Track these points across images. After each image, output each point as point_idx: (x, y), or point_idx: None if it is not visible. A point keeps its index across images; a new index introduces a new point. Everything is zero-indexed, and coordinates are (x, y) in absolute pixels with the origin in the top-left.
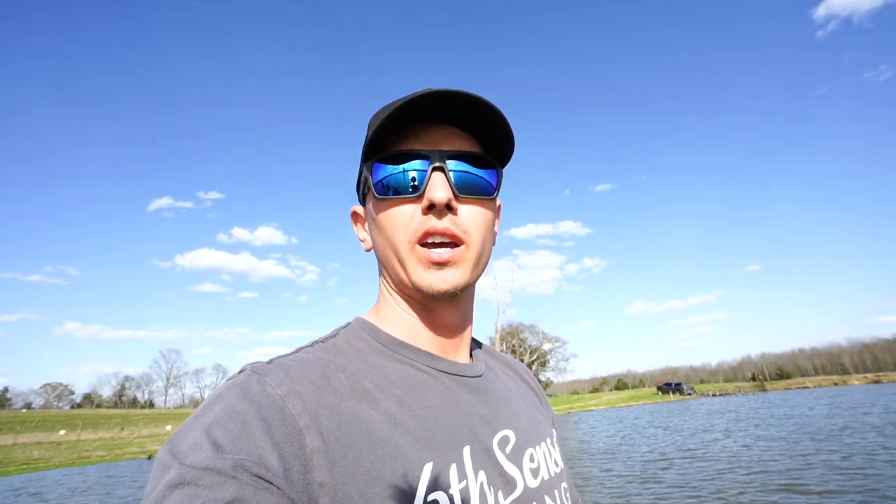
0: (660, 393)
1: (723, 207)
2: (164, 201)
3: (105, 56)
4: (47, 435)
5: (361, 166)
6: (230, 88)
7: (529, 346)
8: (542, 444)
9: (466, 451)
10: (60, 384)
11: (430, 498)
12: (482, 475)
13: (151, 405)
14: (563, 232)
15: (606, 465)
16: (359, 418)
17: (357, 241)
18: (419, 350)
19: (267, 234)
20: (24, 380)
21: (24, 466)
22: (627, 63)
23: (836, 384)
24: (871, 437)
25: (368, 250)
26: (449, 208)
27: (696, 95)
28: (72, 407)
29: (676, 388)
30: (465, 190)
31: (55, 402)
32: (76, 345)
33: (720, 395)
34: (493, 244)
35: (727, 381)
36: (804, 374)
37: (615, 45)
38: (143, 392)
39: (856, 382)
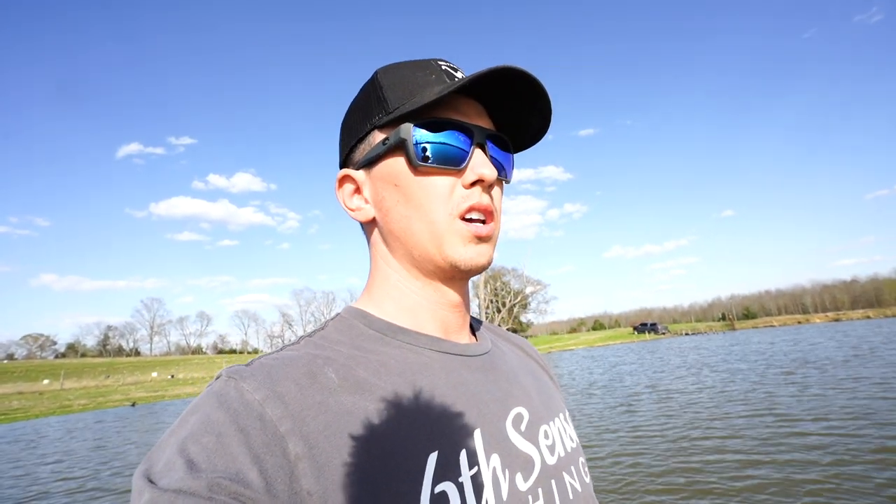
0: (636, 333)
1: (702, 154)
2: (133, 147)
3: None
4: (30, 385)
5: (370, 125)
6: (198, 26)
7: (512, 289)
8: (556, 419)
9: (477, 434)
10: (42, 335)
11: (437, 489)
12: (495, 459)
13: (137, 353)
14: (545, 177)
15: (588, 400)
16: (352, 413)
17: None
18: (419, 333)
19: (245, 180)
20: (4, 332)
21: (2, 416)
22: (612, 5)
23: (799, 322)
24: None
25: (366, 221)
26: (490, 186)
27: (682, 39)
28: (56, 357)
29: (651, 327)
30: (497, 171)
31: (38, 353)
32: (55, 296)
33: (692, 333)
34: None
35: (698, 321)
36: (768, 313)
37: None
38: (127, 341)
39: (817, 321)
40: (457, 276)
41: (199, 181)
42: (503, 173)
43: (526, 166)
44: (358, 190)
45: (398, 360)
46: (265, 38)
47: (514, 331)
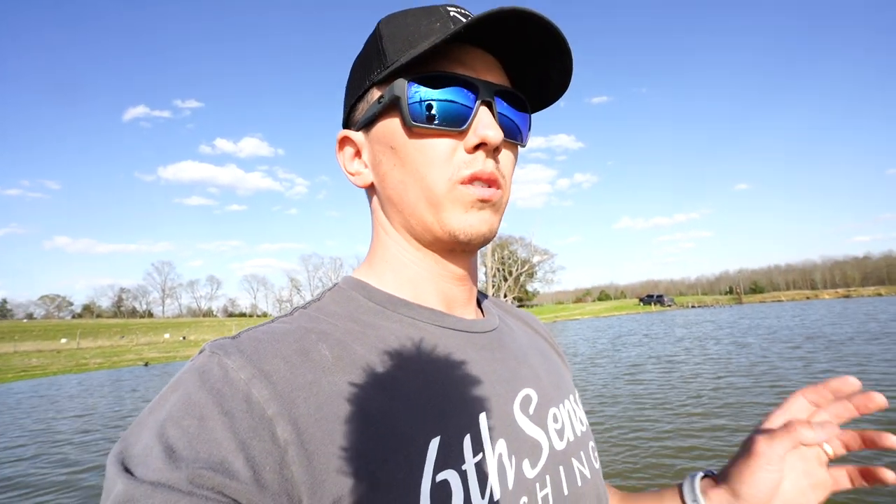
0: (641, 304)
1: (717, 126)
2: (140, 110)
3: None
4: (48, 343)
5: (369, 82)
6: None
7: (519, 258)
8: (566, 401)
9: (482, 417)
10: (59, 296)
11: (438, 478)
12: (501, 444)
13: (150, 315)
14: (556, 146)
15: (592, 370)
16: (346, 394)
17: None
18: (421, 307)
19: (252, 145)
20: (22, 292)
21: (22, 373)
22: None
23: (808, 298)
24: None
25: (365, 186)
26: (495, 150)
27: (702, 4)
28: (73, 317)
29: (658, 299)
30: (506, 132)
31: (56, 313)
32: (69, 259)
33: (699, 306)
34: None
35: (705, 294)
36: (776, 288)
37: None
38: (140, 303)
39: (826, 297)
40: (458, 248)
41: (206, 145)
42: (517, 135)
43: (537, 134)
44: (358, 153)
45: (398, 336)
46: (269, 2)
47: (520, 300)
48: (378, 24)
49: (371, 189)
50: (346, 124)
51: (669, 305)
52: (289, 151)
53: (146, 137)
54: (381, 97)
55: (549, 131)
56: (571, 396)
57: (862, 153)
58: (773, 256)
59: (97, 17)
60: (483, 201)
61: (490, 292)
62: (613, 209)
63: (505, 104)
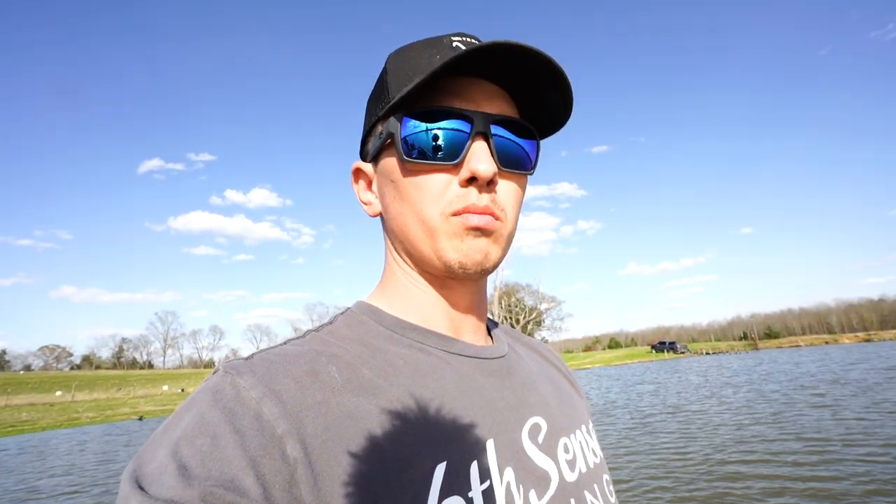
0: (653, 351)
1: (719, 170)
2: (155, 163)
3: (91, 16)
4: (43, 396)
5: (375, 117)
6: (218, 48)
7: (526, 306)
8: (578, 431)
9: (490, 444)
10: (58, 346)
11: None
12: (509, 472)
13: (150, 366)
14: (559, 194)
15: (606, 421)
16: (354, 415)
17: (357, 203)
18: (430, 332)
19: (261, 196)
20: (23, 343)
21: (10, 429)
22: (625, 23)
23: (827, 343)
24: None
25: (374, 216)
26: (489, 183)
27: (696, 55)
28: (71, 368)
29: (670, 346)
30: (507, 162)
31: (54, 364)
32: (74, 308)
33: (713, 353)
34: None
35: (718, 339)
36: (791, 333)
37: (611, 5)
38: (141, 353)
39: (846, 341)
40: (456, 277)
41: (216, 196)
42: (522, 164)
43: (540, 183)
44: (370, 183)
45: (407, 361)
46: (283, 56)
47: None
48: (388, 58)
49: (380, 219)
50: (362, 156)
51: (683, 352)
52: (297, 202)
53: (159, 189)
54: (381, 133)
55: (551, 180)
56: (584, 426)
57: (863, 196)
58: (784, 300)
59: (119, 75)
60: (476, 229)
61: None
62: (619, 255)
63: (507, 132)
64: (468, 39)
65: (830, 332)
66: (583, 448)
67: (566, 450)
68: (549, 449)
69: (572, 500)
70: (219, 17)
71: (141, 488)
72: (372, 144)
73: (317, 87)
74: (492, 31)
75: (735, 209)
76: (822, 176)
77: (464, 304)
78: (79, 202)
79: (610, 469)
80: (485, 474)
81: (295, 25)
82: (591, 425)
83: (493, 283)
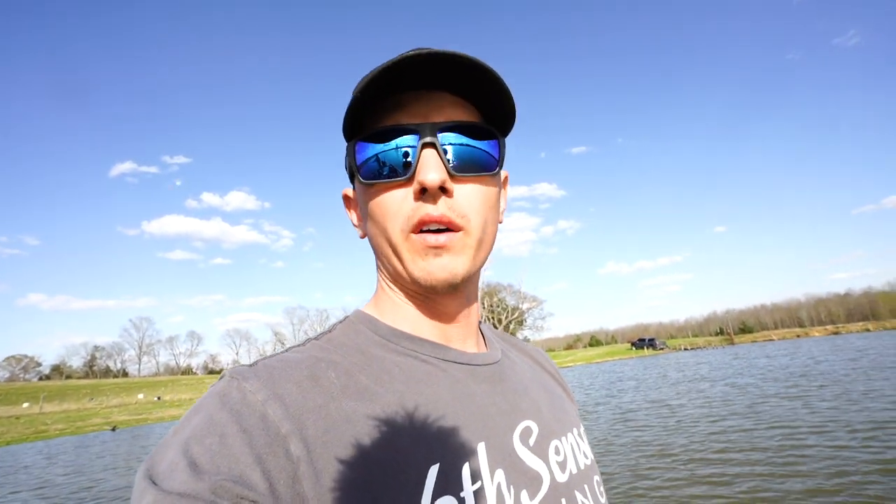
0: (634, 348)
1: (693, 171)
2: (127, 166)
3: (61, 16)
4: (8, 409)
5: (346, 142)
6: (194, 48)
7: (508, 306)
8: (569, 434)
9: (481, 447)
10: (25, 356)
11: (437, 503)
12: (500, 474)
13: (125, 374)
14: (539, 194)
15: (588, 418)
16: (352, 419)
17: (335, 209)
18: (423, 340)
19: (238, 199)
20: None
21: None
22: (602, 25)
23: (798, 336)
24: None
25: (363, 237)
26: (444, 191)
27: (671, 58)
28: (40, 379)
29: (650, 343)
30: (463, 167)
31: (21, 375)
32: (43, 316)
33: (691, 348)
34: (500, 222)
35: (695, 335)
36: (765, 327)
37: (589, 9)
38: (115, 361)
39: (816, 334)
40: (429, 292)
41: (192, 199)
42: (482, 165)
43: (520, 183)
44: (356, 207)
45: (402, 368)
46: (261, 56)
47: None
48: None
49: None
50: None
51: (662, 349)
52: (275, 204)
53: (132, 192)
54: (344, 157)
55: (531, 180)
56: (575, 430)
57: (829, 195)
58: (756, 296)
59: (91, 76)
60: (436, 248)
61: None
62: (598, 255)
63: (462, 136)
64: (425, 52)
65: (801, 325)
66: (574, 450)
67: (557, 452)
68: (540, 451)
69: (563, 500)
70: (194, 17)
71: (154, 484)
72: (348, 171)
73: (296, 88)
74: (465, 34)
75: (708, 209)
76: (791, 176)
77: (450, 314)
78: (47, 206)
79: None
80: (476, 475)
81: (272, 25)
82: (581, 429)
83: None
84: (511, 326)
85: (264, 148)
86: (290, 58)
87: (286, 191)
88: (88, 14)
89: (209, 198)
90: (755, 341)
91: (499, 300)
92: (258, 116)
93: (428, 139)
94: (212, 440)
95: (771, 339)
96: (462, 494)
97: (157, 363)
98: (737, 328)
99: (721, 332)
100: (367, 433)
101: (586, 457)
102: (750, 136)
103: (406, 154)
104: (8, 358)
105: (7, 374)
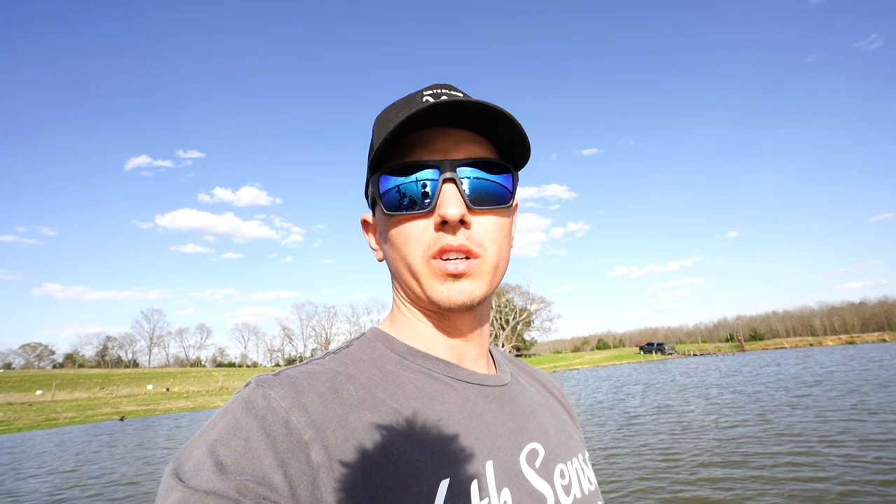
0: (642, 353)
1: (706, 174)
2: (142, 160)
3: (78, 11)
4: (22, 395)
5: (368, 174)
6: (209, 43)
7: (516, 307)
8: (574, 459)
9: (489, 465)
10: (40, 344)
11: None
12: (506, 493)
13: (136, 365)
14: (549, 195)
15: (595, 423)
16: (369, 431)
17: (346, 205)
18: (437, 359)
19: (250, 194)
20: (4, 341)
21: None
22: (616, 25)
23: (811, 345)
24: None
25: (381, 261)
26: (462, 223)
27: (686, 59)
28: (53, 367)
29: (658, 348)
30: (480, 200)
31: (36, 363)
32: (58, 306)
33: (701, 354)
34: (511, 247)
35: (704, 341)
36: (776, 335)
37: (601, 9)
38: (126, 352)
39: (830, 343)
40: (447, 313)
41: (205, 194)
42: (498, 199)
43: (530, 184)
44: (375, 231)
45: (416, 385)
46: (274, 53)
47: (518, 349)
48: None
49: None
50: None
51: (670, 354)
52: (286, 200)
53: (146, 186)
54: (367, 189)
55: (541, 181)
56: (580, 456)
57: (845, 202)
58: (768, 303)
59: (107, 71)
60: (453, 275)
61: None
62: (608, 257)
63: (479, 171)
64: (439, 91)
65: (814, 334)
66: (578, 475)
67: (562, 475)
68: (545, 473)
69: None
70: (207, 13)
71: (181, 481)
72: (369, 200)
73: (309, 86)
74: (477, 31)
75: (721, 213)
76: (807, 182)
77: (463, 332)
78: (64, 199)
79: (597, 470)
80: (484, 492)
81: (285, 21)
82: (586, 455)
83: None
84: (519, 327)
85: (276, 144)
86: (303, 55)
87: (297, 187)
88: (106, 7)
89: (221, 193)
90: (766, 348)
91: (507, 301)
92: (271, 113)
93: (448, 175)
94: (237, 443)
95: (783, 347)
96: None
97: (168, 355)
98: (747, 335)
99: (731, 339)
100: (383, 445)
101: (590, 483)
102: (765, 139)
103: (427, 188)
104: (23, 346)
105: (23, 362)
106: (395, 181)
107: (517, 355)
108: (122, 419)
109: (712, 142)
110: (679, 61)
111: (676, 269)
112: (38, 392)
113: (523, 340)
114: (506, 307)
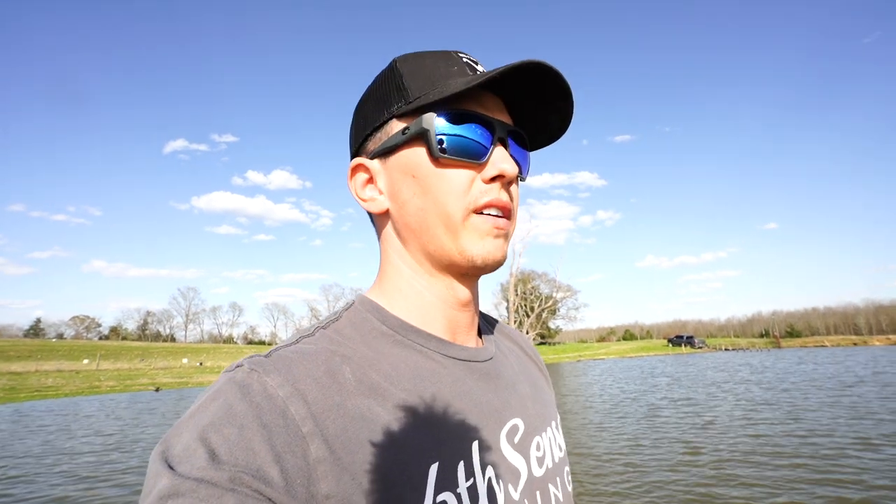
0: (670, 345)
1: (744, 163)
2: (179, 143)
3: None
4: (71, 363)
5: (388, 115)
6: (242, 30)
7: (541, 294)
8: (548, 429)
9: (475, 446)
10: (88, 317)
11: (438, 499)
12: (490, 470)
13: (173, 339)
14: (578, 182)
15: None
16: (366, 417)
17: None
18: (429, 335)
19: (281, 177)
20: (58, 312)
21: (35, 393)
22: (652, 8)
23: (855, 344)
24: None
25: (380, 212)
26: (509, 183)
27: (729, 42)
28: (100, 338)
29: (688, 340)
30: (518, 168)
31: (84, 334)
32: (104, 281)
33: (733, 349)
34: None
35: (737, 336)
36: (815, 332)
37: None
38: (164, 327)
39: (877, 343)
40: (472, 273)
41: (238, 177)
42: (522, 172)
43: (559, 171)
44: (371, 180)
45: (409, 366)
46: (305, 37)
47: (542, 336)
48: (394, 62)
49: (384, 216)
50: (357, 153)
51: (700, 347)
52: (316, 184)
53: (183, 169)
54: (406, 129)
55: (571, 168)
56: (553, 423)
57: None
58: (807, 299)
59: (148, 56)
60: (498, 229)
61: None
62: (637, 247)
63: (512, 142)
64: (470, 57)
65: (857, 333)
66: (551, 444)
67: (538, 448)
68: (523, 449)
69: (538, 493)
70: (242, 4)
71: (171, 468)
72: (384, 141)
73: (339, 70)
74: (512, 14)
75: (759, 204)
76: (853, 171)
77: (464, 302)
78: (108, 180)
79: (619, 461)
80: (469, 473)
81: (317, 12)
82: (558, 419)
83: (510, 270)
84: (544, 315)
85: (307, 129)
86: (335, 38)
87: (327, 171)
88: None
89: (254, 176)
90: (805, 346)
91: (532, 287)
92: (302, 98)
93: (501, 135)
94: (230, 430)
95: (823, 345)
96: (458, 490)
97: (202, 331)
98: (783, 331)
99: (766, 335)
100: (379, 431)
101: (560, 449)
102: (809, 126)
103: (483, 142)
104: (73, 317)
105: (73, 332)
106: (451, 126)
107: (541, 343)
108: (157, 390)
109: (752, 128)
110: (719, 43)
111: (710, 261)
112: (85, 361)
113: (548, 328)
114: (531, 294)
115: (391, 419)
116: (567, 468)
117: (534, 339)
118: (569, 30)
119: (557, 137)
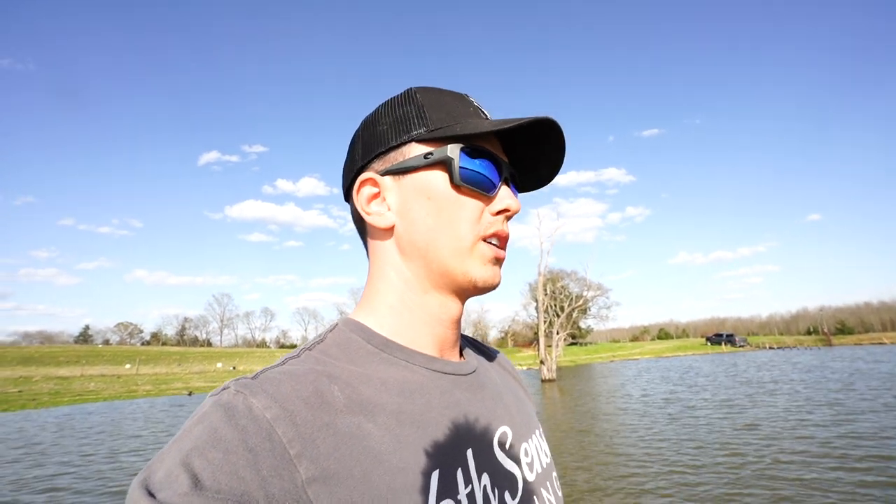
0: (709, 344)
1: (782, 152)
2: (213, 155)
3: (156, 12)
4: (113, 368)
5: (407, 137)
6: (268, 46)
7: (571, 293)
8: (533, 436)
9: (469, 453)
10: (131, 323)
11: None
12: (486, 477)
13: (209, 344)
14: (606, 179)
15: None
16: (357, 435)
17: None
18: (414, 351)
19: (309, 185)
20: (104, 320)
21: (77, 398)
22: None
23: None
24: None
25: (385, 228)
26: (508, 217)
27: (760, 28)
28: (142, 344)
29: (728, 339)
30: None
31: (128, 339)
32: (146, 289)
33: (778, 347)
34: None
35: (781, 333)
36: (868, 329)
37: None
38: (200, 332)
39: None
40: (468, 293)
41: (268, 186)
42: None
43: (586, 168)
44: (378, 195)
45: (397, 380)
46: (332, 48)
47: (573, 336)
48: (412, 91)
49: (385, 231)
50: (363, 168)
51: (742, 346)
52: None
53: (216, 179)
54: (430, 153)
55: (598, 165)
56: (537, 431)
57: None
58: (860, 293)
59: (183, 71)
60: (497, 258)
61: (542, 329)
62: (670, 243)
63: (512, 182)
64: (477, 102)
65: None
66: (538, 451)
67: (526, 454)
68: (513, 455)
69: (534, 498)
70: (267, 9)
71: (150, 495)
72: (402, 161)
73: (364, 80)
74: (540, 8)
75: (801, 194)
76: None
77: (451, 320)
78: (147, 192)
79: (653, 462)
80: (467, 480)
81: (337, 21)
82: (541, 429)
83: (538, 269)
84: (574, 314)
85: (333, 137)
86: (361, 49)
87: None
88: (179, 9)
89: (283, 184)
90: (860, 343)
91: (562, 287)
92: (328, 108)
93: (507, 174)
94: (214, 454)
95: (881, 343)
96: (458, 497)
97: (236, 336)
98: (833, 328)
99: (814, 332)
100: (373, 447)
101: (546, 455)
102: (855, 110)
103: (494, 178)
104: (118, 324)
105: (117, 338)
106: (468, 160)
107: (572, 343)
108: (190, 394)
109: (790, 116)
110: (756, 27)
111: (747, 256)
112: (127, 366)
113: (579, 328)
114: (560, 294)
115: (384, 433)
116: (555, 474)
117: (564, 340)
118: (590, 22)
119: (545, 184)
